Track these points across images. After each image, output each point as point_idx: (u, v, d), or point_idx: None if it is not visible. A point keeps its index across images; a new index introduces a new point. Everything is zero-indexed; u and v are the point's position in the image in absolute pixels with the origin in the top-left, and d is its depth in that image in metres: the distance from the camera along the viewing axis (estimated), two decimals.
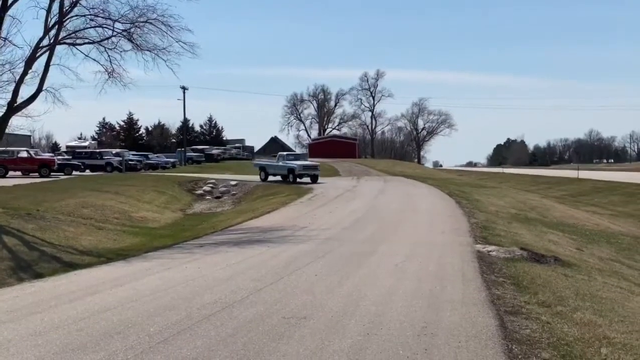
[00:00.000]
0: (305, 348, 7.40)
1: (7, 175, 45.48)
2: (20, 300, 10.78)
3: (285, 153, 51.81)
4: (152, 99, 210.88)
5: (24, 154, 49.21)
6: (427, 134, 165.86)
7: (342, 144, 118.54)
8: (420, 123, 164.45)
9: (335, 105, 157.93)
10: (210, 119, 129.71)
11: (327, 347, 7.44)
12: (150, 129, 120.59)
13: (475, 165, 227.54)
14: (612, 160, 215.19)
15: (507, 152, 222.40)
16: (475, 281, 11.82)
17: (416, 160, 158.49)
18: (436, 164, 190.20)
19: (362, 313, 9.24)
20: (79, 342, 7.75)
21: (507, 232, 20.33)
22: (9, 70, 21.78)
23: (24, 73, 21.14)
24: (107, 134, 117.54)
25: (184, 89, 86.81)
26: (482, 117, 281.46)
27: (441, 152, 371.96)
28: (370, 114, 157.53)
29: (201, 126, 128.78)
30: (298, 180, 45.64)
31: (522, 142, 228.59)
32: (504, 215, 27.11)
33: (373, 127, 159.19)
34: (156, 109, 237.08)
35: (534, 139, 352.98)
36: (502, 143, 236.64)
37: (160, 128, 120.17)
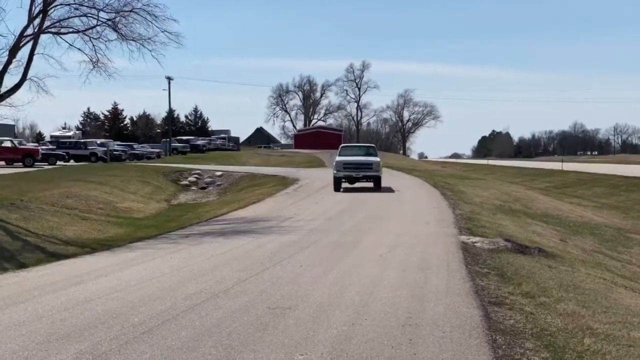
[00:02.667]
0: (291, 338, 7.41)
1: None
2: (3, 290, 10.72)
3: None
4: (137, 89, 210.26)
5: (7, 144, 48.98)
6: (412, 125, 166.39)
7: (328, 135, 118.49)
8: (406, 114, 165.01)
9: (321, 96, 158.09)
10: (195, 110, 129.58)
11: (312, 337, 7.44)
12: (135, 119, 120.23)
13: (460, 157, 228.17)
14: (596, 153, 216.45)
15: (492, 144, 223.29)
16: (460, 272, 11.86)
17: (401, 151, 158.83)
18: (421, 156, 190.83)
19: (347, 303, 9.25)
20: (63, 332, 7.72)
21: (492, 223, 20.40)
22: None
23: (8, 62, 21.03)
24: (91, 124, 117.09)
25: (169, 79, 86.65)
26: (467, 109, 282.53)
27: (426, 143, 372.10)
28: (355, 105, 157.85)
29: (186, 117, 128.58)
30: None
31: (507, 134, 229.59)
32: (488, 206, 27.20)
33: (359, 118, 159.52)
34: (141, 99, 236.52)
35: (519, 131, 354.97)
36: (487, 135, 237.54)
37: (145, 118, 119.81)
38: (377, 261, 13.03)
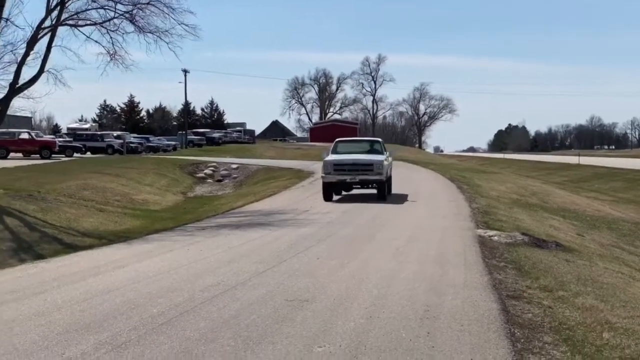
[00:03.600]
0: (309, 330, 7.42)
1: (8, 157, 45.49)
2: (23, 280, 10.80)
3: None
4: (154, 82, 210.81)
5: (25, 136, 49.24)
6: (428, 119, 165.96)
7: (344, 129, 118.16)
8: (422, 108, 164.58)
9: (337, 89, 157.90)
10: (211, 102, 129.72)
11: (330, 330, 7.45)
12: (151, 111, 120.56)
13: (476, 150, 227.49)
14: (613, 147, 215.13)
15: (508, 138, 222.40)
16: (477, 265, 11.83)
17: (417, 145, 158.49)
18: (437, 149, 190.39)
19: (365, 296, 9.26)
20: (83, 323, 7.77)
21: (509, 217, 20.33)
22: (11, 51, 21.80)
23: (26, 54, 21.12)
24: (108, 116, 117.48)
25: (185, 72, 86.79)
26: (483, 103, 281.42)
27: (442, 137, 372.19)
28: (371, 98, 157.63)
29: (202, 109, 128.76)
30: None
31: (523, 127, 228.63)
32: (505, 200, 27.12)
33: (374, 111, 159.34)
34: (157, 92, 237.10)
35: (535, 125, 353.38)
36: (503, 129, 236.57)
37: (161, 111, 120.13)
38: (393, 254, 13.02)
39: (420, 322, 7.82)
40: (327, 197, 24.71)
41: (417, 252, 13.34)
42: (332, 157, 25.26)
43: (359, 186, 25.29)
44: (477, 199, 25.37)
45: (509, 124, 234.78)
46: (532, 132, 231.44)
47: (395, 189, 27.17)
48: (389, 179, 26.03)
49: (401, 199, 24.83)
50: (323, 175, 24.76)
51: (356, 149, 27.08)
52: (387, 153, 26.61)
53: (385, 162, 24.71)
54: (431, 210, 21.54)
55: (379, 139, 28.99)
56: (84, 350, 6.68)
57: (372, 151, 26.40)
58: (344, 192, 26.42)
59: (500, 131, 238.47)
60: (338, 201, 24.30)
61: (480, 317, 8.09)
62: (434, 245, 14.28)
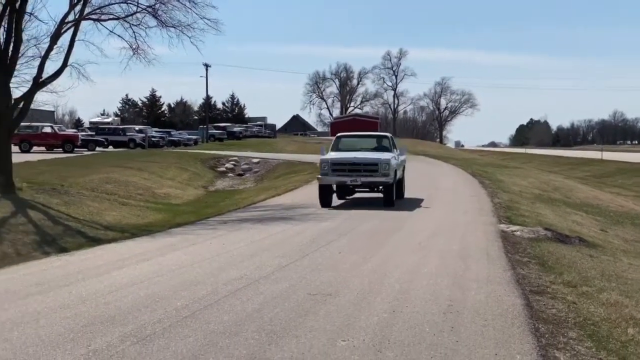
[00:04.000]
0: (332, 324, 7.43)
1: (32, 151, 45.81)
2: (47, 273, 10.89)
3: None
4: (175, 76, 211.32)
5: (48, 130, 49.57)
6: (449, 113, 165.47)
7: (364, 123, 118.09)
8: (443, 102, 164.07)
9: (358, 83, 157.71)
10: (232, 97, 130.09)
11: (354, 324, 7.46)
12: (172, 106, 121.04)
13: (497, 145, 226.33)
14: (637, 142, 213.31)
15: (530, 133, 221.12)
16: (500, 260, 11.79)
17: (438, 140, 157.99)
18: (458, 144, 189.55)
19: (387, 290, 9.25)
20: (108, 315, 7.83)
21: (531, 212, 20.24)
22: (35, 45, 21.87)
23: (49, 48, 21.21)
24: (129, 110, 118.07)
25: (206, 66, 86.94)
26: (505, 97, 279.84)
27: (463, 132, 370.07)
28: (392, 92, 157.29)
29: (223, 104, 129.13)
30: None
31: (545, 122, 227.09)
32: (527, 195, 26.99)
33: (395, 106, 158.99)
34: (179, 86, 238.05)
35: (557, 120, 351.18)
36: (525, 123, 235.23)
37: (182, 105, 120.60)
38: (416, 249, 13.01)
39: (443, 317, 7.81)
40: (325, 202, 21.06)
41: (439, 246, 13.31)
42: (330, 155, 21.85)
43: (366, 190, 22.01)
44: (499, 194, 25.27)
45: (531, 119, 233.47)
46: (554, 127, 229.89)
47: (416, 183, 27.00)
48: (399, 182, 22.73)
49: (424, 193, 24.70)
50: (319, 176, 21.25)
51: (360, 145, 23.41)
52: (398, 151, 23.07)
53: (394, 161, 21.35)
54: (453, 205, 21.48)
55: (388, 134, 24.77)
56: (109, 342, 6.73)
57: (379, 148, 22.88)
58: (347, 197, 23.28)
59: (521, 126, 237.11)
60: (361, 194, 24.07)
61: (504, 312, 8.07)
62: (457, 240, 14.24)
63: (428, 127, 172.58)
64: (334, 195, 21.91)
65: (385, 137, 24.08)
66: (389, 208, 20.28)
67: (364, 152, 22.10)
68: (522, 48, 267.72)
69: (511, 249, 13.07)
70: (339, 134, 24.98)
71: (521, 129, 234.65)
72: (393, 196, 20.91)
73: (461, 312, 8.06)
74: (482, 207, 20.88)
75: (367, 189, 21.91)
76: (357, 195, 23.33)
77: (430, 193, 25.11)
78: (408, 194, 23.97)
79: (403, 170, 23.90)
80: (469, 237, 14.64)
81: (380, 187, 21.19)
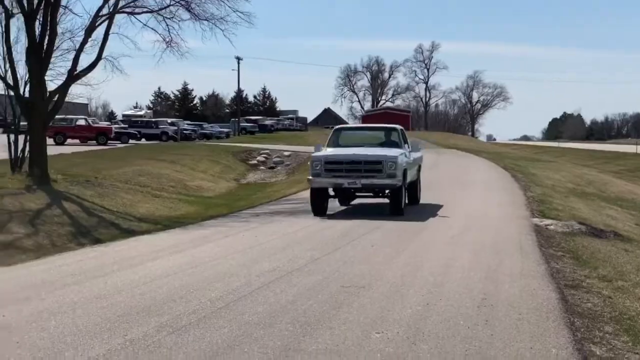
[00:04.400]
0: (366, 316, 7.43)
1: (66, 143, 46.26)
2: (83, 264, 11.01)
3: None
4: (207, 69, 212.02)
5: (82, 122, 50.04)
6: (481, 107, 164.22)
7: (396, 116, 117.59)
8: (475, 96, 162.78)
9: (389, 77, 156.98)
10: (264, 90, 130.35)
11: (388, 316, 7.46)
12: (204, 98, 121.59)
13: (529, 139, 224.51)
14: None
15: (563, 126, 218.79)
16: (534, 254, 11.72)
17: (470, 133, 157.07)
18: (490, 138, 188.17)
19: (421, 283, 9.24)
20: (143, 306, 7.90)
21: (565, 206, 20.08)
22: (69, 38, 22.08)
23: (84, 41, 21.40)
24: (162, 103, 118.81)
25: (238, 59, 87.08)
26: (538, 91, 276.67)
27: (495, 125, 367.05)
28: (424, 86, 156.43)
29: (255, 97, 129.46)
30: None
31: (579, 116, 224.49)
32: (560, 189, 26.78)
33: (427, 99, 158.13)
34: (210, 79, 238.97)
35: (591, 113, 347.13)
36: (558, 117, 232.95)
37: (214, 98, 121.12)
38: (448, 242, 12.98)
39: (477, 311, 7.78)
40: (318, 209, 17.38)
41: (472, 240, 13.27)
42: (326, 151, 18.38)
43: (369, 194, 18.25)
44: (532, 187, 25.09)
45: (564, 112, 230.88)
46: (587, 121, 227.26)
47: (448, 177, 26.84)
48: (412, 185, 19.28)
49: (454, 186, 24.51)
50: (310, 177, 17.52)
51: (364, 140, 19.83)
52: (409, 147, 19.32)
53: (403, 159, 17.74)
54: (485, 198, 21.38)
55: (398, 126, 20.19)
56: (145, 332, 6.79)
57: (386, 143, 19.18)
58: (350, 203, 19.46)
59: (555, 119, 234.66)
60: None
61: (539, 306, 8.02)
62: (489, 233, 14.18)
63: (460, 121, 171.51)
64: (330, 201, 18.27)
65: (394, 129, 19.79)
66: (393, 216, 16.84)
67: (367, 148, 18.31)
68: (556, 41, 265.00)
69: (545, 243, 12.98)
70: (337, 126, 21.79)
71: (554, 123, 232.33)
72: (402, 203, 17.15)
73: (495, 305, 8.02)
74: (514, 200, 20.75)
75: (370, 194, 18.14)
76: (364, 200, 19.19)
77: (461, 186, 24.98)
78: (437, 187, 23.74)
79: (418, 171, 20.40)
80: (502, 231, 14.56)
81: (386, 192, 17.68)
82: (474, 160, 43.31)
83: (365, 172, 17.18)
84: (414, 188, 19.46)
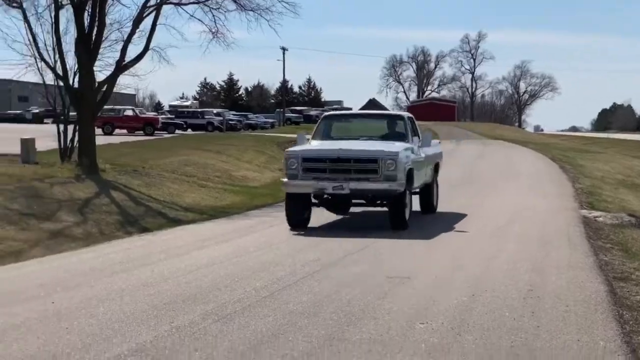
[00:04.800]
0: (411, 307, 7.41)
1: (114, 133, 46.82)
2: (130, 252, 11.16)
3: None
4: (252, 60, 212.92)
5: (129, 113, 50.57)
6: (528, 97, 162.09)
7: (441, 107, 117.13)
8: (522, 86, 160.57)
9: (435, 67, 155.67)
10: (309, 80, 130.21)
11: (432, 307, 7.43)
12: (249, 89, 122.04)
13: (578, 130, 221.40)
14: None
15: (613, 117, 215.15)
16: (582, 246, 11.58)
17: (517, 124, 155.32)
18: (537, 128, 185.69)
19: (466, 275, 9.20)
20: (189, 294, 7.99)
21: (614, 198, 19.80)
22: (117, 29, 22.32)
23: (132, 32, 21.61)
24: (207, 94, 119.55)
25: (283, 49, 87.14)
26: (587, 81, 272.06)
27: (543, 116, 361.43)
28: (470, 76, 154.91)
29: (300, 87, 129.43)
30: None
31: (629, 106, 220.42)
32: (610, 181, 26.36)
33: (473, 89, 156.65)
34: (256, 70, 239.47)
35: None
36: (608, 107, 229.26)
37: (259, 89, 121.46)
38: (494, 233, 12.89)
39: (523, 302, 7.71)
40: (296, 220, 13.60)
41: (518, 231, 13.16)
42: (308, 145, 14.74)
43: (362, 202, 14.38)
44: (581, 179, 24.75)
45: (614, 103, 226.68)
46: (638, 112, 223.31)
47: (494, 168, 26.56)
48: (425, 189, 15.70)
49: (501, 178, 24.25)
50: (284, 180, 13.91)
51: (362, 131, 15.84)
52: (418, 140, 15.40)
53: (408, 156, 13.90)
54: (532, 190, 21.15)
55: (405, 114, 16.43)
56: (192, 320, 6.86)
57: (390, 136, 15.19)
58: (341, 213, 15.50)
59: (604, 110, 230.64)
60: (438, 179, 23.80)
61: (587, 298, 7.91)
62: (536, 225, 14.04)
63: (506, 111, 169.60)
64: (315, 210, 14.31)
65: (400, 118, 16.00)
66: (396, 232, 13.02)
67: (360, 142, 14.56)
68: (605, 30, 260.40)
69: (593, 235, 12.81)
70: (326, 114, 17.94)
71: (604, 113, 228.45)
72: (404, 214, 13.36)
73: (542, 297, 7.94)
74: (563, 192, 20.50)
75: (363, 201, 14.25)
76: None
77: (507, 178, 24.74)
78: (481, 179, 23.53)
79: (434, 171, 16.56)
80: (549, 222, 14.41)
81: (383, 201, 13.78)
82: (520, 151, 42.82)
83: (356, 173, 13.39)
84: (427, 193, 15.85)
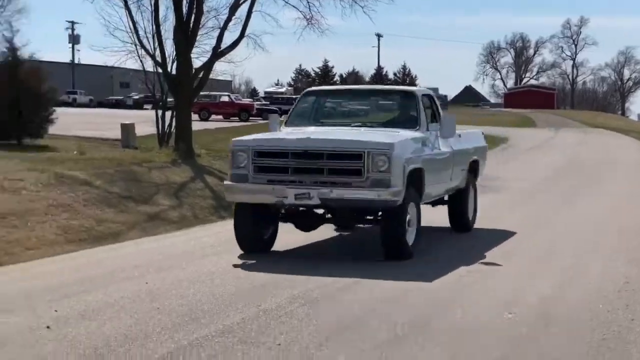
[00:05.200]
0: (498, 297, 7.30)
1: (210, 119, 47.61)
2: (222, 236, 11.30)
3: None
4: (347, 47, 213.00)
5: (225, 99, 51.33)
6: (632, 84, 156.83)
7: (540, 94, 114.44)
8: (626, 73, 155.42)
9: (534, 53, 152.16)
10: (403, 67, 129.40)
11: (521, 297, 7.29)
12: (344, 76, 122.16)
13: None
14: None
15: None
16: None
17: (620, 112, 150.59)
18: None
19: (560, 265, 9.01)
20: (277, 278, 8.08)
21: None
22: (214, 17, 22.63)
23: (228, 19, 21.86)
24: (302, 80, 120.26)
25: (378, 36, 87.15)
26: None
27: None
28: (571, 63, 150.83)
29: (395, 74, 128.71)
30: None
31: None
32: None
33: (574, 76, 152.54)
34: (350, 57, 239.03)
35: None
36: None
37: (354, 75, 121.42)
38: (591, 224, 12.56)
39: (618, 295, 7.49)
40: (246, 240, 9.68)
41: (618, 222, 12.77)
42: (268, 134, 10.83)
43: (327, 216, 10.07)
44: None
45: None
46: None
47: (594, 157, 25.74)
48: (456, 199, 11.67)
49: (601, 167, 23.52)
50: (227, 183, 9.90)
51: (354, 115, 12.06)
52: (438, 125, 10.77)
53: (416, 150, 9.85)
54: (635, 180, 20.49)
55: (419, 91, 11.50)
56: (279, 304, 6.93)
57: (394, 122, 10.88)
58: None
59: None
60: (533, 168, 23.39)
61: None
62: (636, 216, 13.57)
63: (609, 99, 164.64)
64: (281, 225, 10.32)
65: (410, 95, 11.20)
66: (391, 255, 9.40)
67: (345, 130, 10.53)
68: None
69: None
70: (309, 89, 13.45)
71: None
72: (403, 236, 9.20)
73: (637, 290, 7.69)
74: None
75: (344, 218, 10.14)
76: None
77: (610, 168, 24.02)
78: (579, 169, 22.89)
79: (469, 172, 11.93)
80: None
81: (371, 217, 9.79)
82: (624, 140, 41.52)
83: (331, 174, 9.19)
84: (458, 202, 11.72)
